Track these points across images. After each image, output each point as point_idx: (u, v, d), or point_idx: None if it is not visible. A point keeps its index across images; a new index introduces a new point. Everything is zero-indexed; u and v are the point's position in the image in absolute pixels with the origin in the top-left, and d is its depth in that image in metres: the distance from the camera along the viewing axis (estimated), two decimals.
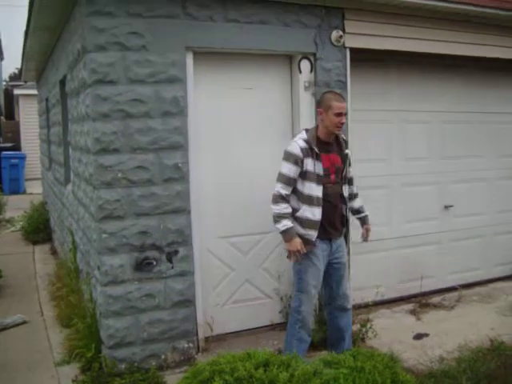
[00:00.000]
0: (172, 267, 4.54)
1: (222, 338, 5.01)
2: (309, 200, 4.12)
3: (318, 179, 4.10)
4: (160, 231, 4.47)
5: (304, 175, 4.11)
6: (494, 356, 4.48)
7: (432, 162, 6.30)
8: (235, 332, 5.10)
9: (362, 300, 5.57)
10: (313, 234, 4.13)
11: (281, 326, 5.19)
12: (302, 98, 5.02)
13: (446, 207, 6.43)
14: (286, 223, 4.06)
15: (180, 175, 4.50)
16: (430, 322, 5.58)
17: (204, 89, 4.75)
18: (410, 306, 5.99)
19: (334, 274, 4.36)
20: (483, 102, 6.61)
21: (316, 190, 4.10)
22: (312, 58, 5.03)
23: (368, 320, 5.08)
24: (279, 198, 4.08)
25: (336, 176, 4.24)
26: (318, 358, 2.57)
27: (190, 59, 4.53)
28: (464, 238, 6.61)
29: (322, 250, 4.21)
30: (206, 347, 4.80)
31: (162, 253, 4.50)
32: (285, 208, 4.07)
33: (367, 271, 5.84)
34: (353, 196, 4.59)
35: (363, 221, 4.69)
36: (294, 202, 4.19)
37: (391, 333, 5.25)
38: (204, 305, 4.84)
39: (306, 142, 4.14)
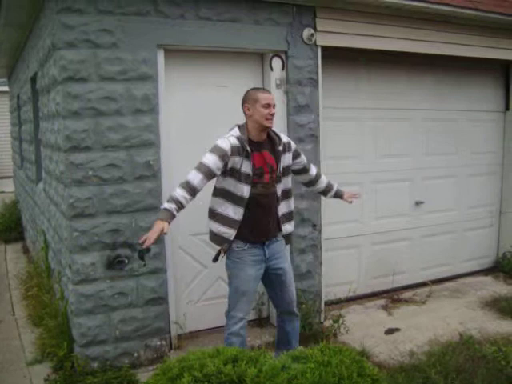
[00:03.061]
0: (144, 265, 4.53)
1: (194, 335, 5.03)
2: (233, 198, 3.85)
3: (246, 178, 3.82)
4: (132, 229, 4.46)
5: (231, 173, 3.82)
6: (462, 350, 4.57)
7: (403, 159, 6.37)
8: (208, 329, 5.11)
9: (334, 296, 5.63)
10: (230, 233, 3.86)
11: (253, 323, 5.23)
12: (274, 95, 5.00)
13: (417, 203, 6.52)
14: (169, 205, 3.60)
15: (151, 173, 4.50)
16: (402, 317, 5.66)
17: (176, 86, 4.75)
18: (381, 302, 6.08)
19: (275, 281, 4.11)
20: (454, 100, 6.70)
21: (242, 190, 3.82)
22: (283, 56, 5.05)
23: (340, 316, 5.13)
24: (184, 184, 3.69)
25: (270, 176, 3.94)
26: (286, 354, 2.60)
27: (161, 57, 4.52)
28: (435, 234, 6.71)
29: (252, 254, 3.93)
30: (179, 344, 4.81)
31: (134, 251, 4.49)
32: (179, 195, 3.64)
33: (339, 267, 5.90)
34: (316, 178, 4.34)
35: (339, 193, 4.51)
36: (217, 200, 3.93)
37: (363, 328, 5.31)
38: (177, 302, 4.85)
39: (238, 139, 3.83)
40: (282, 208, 4.08)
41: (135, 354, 4.57)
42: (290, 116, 5.09)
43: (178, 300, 4.88)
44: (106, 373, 4.25)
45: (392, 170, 6.29)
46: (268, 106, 3.87)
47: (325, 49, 5.25)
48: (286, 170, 4.07)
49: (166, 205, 3.61)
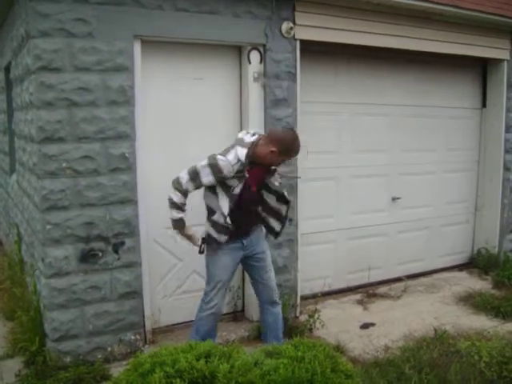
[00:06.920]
0: (118, 258, 4.48)
1: (169, 329, 4.99)
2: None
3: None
4: (106, 222, 4.40)
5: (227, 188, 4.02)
6: (437, 344, 4.59)
7: (381, 155, 6.38)
8: (183, 323, 5.06)
9: (310, 291, 5.63)
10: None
11: (229, 317, 5.21)
12: (251, 88, 5.00)
13: (394, 199, 6.54)
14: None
15: (127, 165, 4.43)
16: (377, 311, 5.69)
17: (152, 78, 4.68)
18: (357, 297, 6.10)
19: (254, 266, 4.30)
20: (432, 96, 6.72)
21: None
22: (262, 49, 5.01)
23: (316, 310, 5.13)
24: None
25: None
26: (259, 349, 2.57)
27: (137, 48, 4.44)
28: (411, 230, 6.75)
29: (230, 243, 4.13)
30: (154, 339, 4.76)
31: (108, 244, 4.43)
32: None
33: (315, 262, 5.90)
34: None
35: None
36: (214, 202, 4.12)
37: (338, 323, 5.32)
38: (151, 296, 4.80)
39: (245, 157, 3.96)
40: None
41: (109, 349, 4.52)
42: (267, 109, 5.05)
43: (152, 294, 4.83)
44: (78, 367, 4.20)
45: (369, 166, 6.30)
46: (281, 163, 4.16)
47: (303, 43, 5.22)
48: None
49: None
